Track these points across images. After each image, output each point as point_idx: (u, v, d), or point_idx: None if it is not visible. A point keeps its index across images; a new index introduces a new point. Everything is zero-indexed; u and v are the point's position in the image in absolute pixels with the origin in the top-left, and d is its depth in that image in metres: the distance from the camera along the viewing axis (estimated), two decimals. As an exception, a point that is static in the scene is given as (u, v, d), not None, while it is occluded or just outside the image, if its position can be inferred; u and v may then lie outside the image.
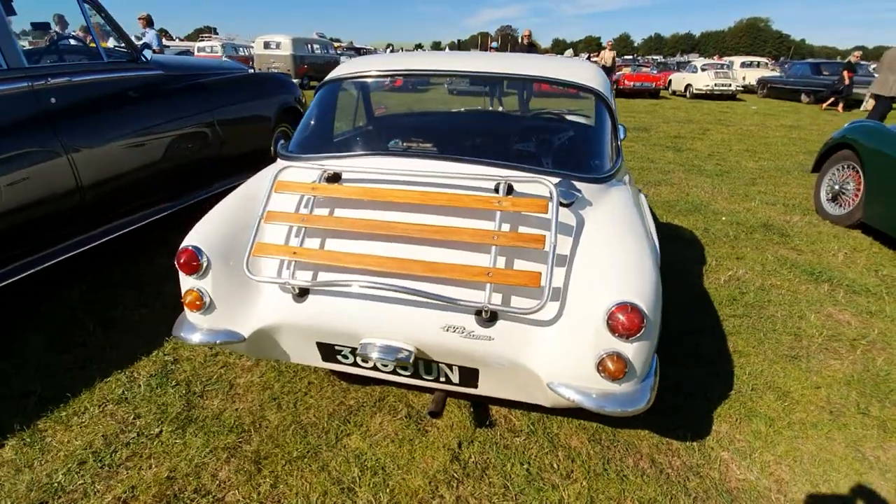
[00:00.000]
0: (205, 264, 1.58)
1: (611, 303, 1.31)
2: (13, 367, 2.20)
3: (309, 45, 17.42)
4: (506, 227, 1.53)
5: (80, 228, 2.73)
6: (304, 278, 1.58)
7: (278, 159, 2.09)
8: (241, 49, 20.68)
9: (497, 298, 1.46)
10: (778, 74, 19.50)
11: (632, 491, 1.66)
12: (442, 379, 1.63)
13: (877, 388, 2.19)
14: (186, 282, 1.61)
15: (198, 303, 1.59)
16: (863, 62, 16.20)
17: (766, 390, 2.16)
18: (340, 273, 1.56)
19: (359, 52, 28.98)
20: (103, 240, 2.79)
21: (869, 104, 8.41)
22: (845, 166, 4.27)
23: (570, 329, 1.39)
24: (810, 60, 20.32)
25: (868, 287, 3.13)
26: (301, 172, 1.76)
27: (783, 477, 1.74)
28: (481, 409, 1.99)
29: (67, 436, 1.83)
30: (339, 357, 1.69)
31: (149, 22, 9.18)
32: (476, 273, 1.42)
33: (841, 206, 4.33)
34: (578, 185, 1.66)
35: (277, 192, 1.68)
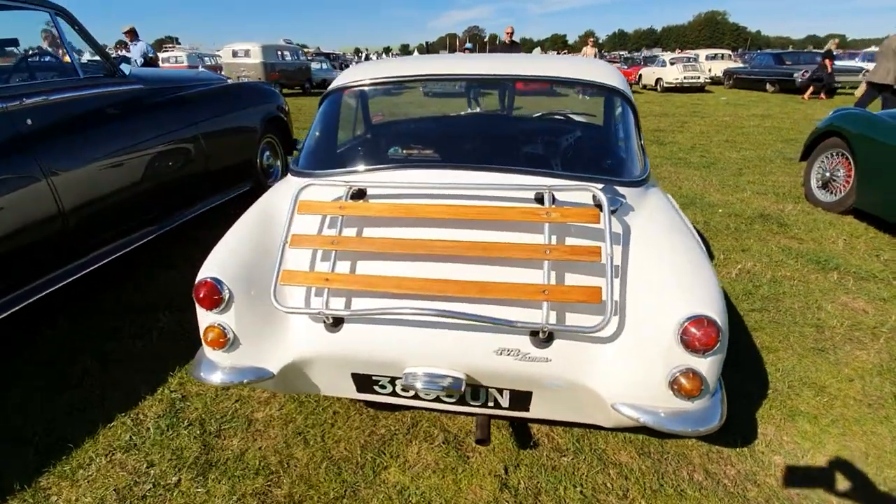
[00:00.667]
0: (226, 297, 1.44)
1: (684, 317, 1.23)
2: (5, 411, 1.99)
3: (279, 52, 17.04)
4: (553, 240, 1.44)
5: (65, 258, 2.52)
6: (337, 306, 1.45)
7: (290, 175, 1.95)
8: (206, 59, 20.08)
9: (553, 317, 1.36)
10: (742, 66, 20.08)
11: (692, 506, 1.59)
12: (490, 404, 1.53)
13: (908, 377, 2.18)
14: (206, 317, 1.46)
15: (221, 340, 1.44)
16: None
17: (802, 387, 2.12)
18: (378, 298, 1.43)
19: (328, 57, 28.52)
20: (91, 268, 2.58)
21: (859, 91, 8.51)
22: (834, 154, 4.34)
23: (636, 346, 1.31)
24: (773, 51, 21.01)
25: (874, 273, 3.16)
26: (322, 190, 1.63)
27: (838, 478, 1.70)
28: (521, 428, 1.89)
29: (75, 492, 1.65)
30: (377, 388, 1.56)
31: (135, 35, 8.87)
32: (531, 291, 1.32)
33: (832, 192, 4.40)
34: (620, 189, 1.58)
35: (301, 213, 1.55)
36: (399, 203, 1.52)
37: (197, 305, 1.47)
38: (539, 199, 1.51)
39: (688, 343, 1.22)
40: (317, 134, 2.09)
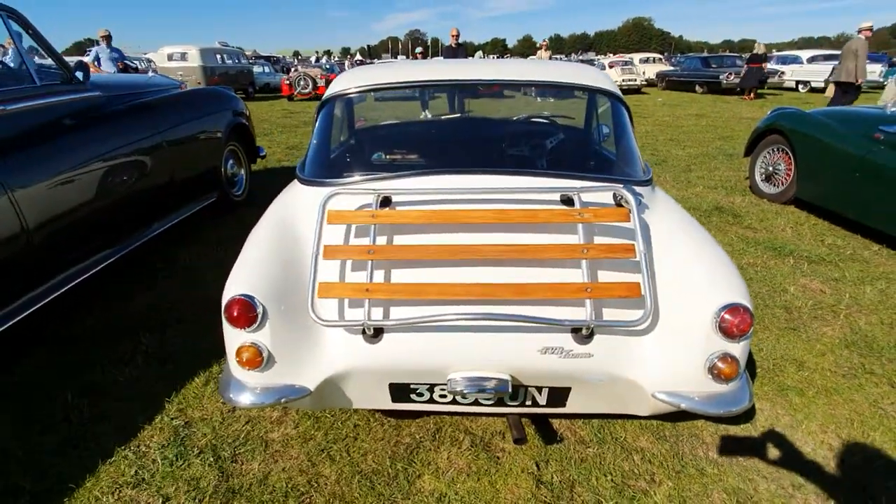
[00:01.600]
0: (260, 314, 1.38)
1: (720, 305, 1.32)
2: (-21, 463, 1.79)
3: (219, 56, 16.28)
4: (586, 240, 1.49)
5: (34, 281, 2.29)
6: (377, 316, 1.43)
7: (298, 184, 1.89)
8: (134, 62, 18.79)
9: (594, 314, 1.41)
10: (672, 69, 21.46)
11: (714, 483, 1.70)
12: (528, 403, 1.56)
13: (870, 349, 2.44)
14: (238, 337, 1.39)
15: (257, 359, 1.38)
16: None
17: (784, 363, 2.32)
18: (419, 307, 1.42)
19: (268, 60, 27.60)
20: (64, 289, 2.37)
21: (829, 92, 9.19)
22: (775, 149, 4.75)
23: (674, 336, 1.39)
24: (700, 55, 22.61)
25: (822, 256, 3.50)
26: (346, 199, 1.60)
27: (833, 444, 1.87)
28: (544, 425, 1.93)
29: (85, 539, 1.51)
30: (413, 395, 1.55)
31: (110, 40, 8.35)
32: (574, 290, 1.36)
33: (775, 185, 4.82)
34: (636, 189, 1.66)
35: (331, 223, 1.51)
36: (431, 209, 1.52)
37: (227, 325, 1.39)
38: (565, 201, 1.56)
39: (725, 330, 1.31)
40: (320, 141, 2.04)
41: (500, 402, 1.57)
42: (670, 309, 1.42)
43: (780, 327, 2.62)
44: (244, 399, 1.41)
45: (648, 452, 1.82)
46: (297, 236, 1.59)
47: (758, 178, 5.03)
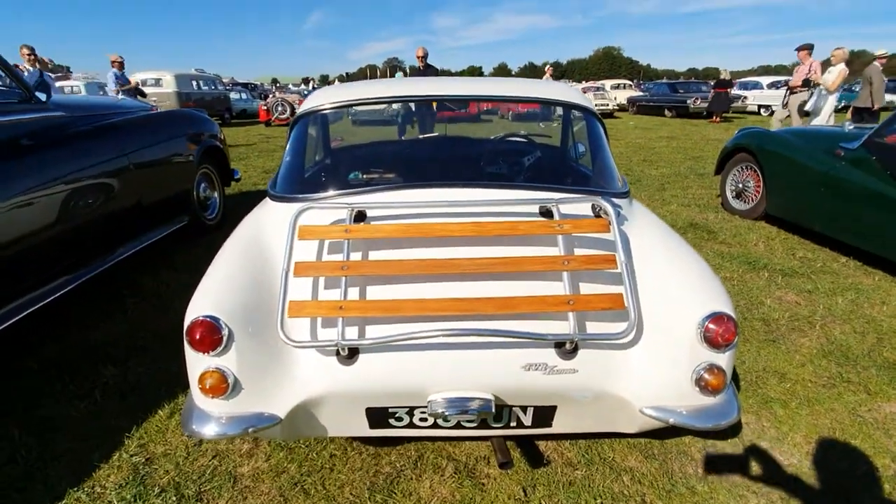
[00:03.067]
0: (225, 336, 1.28)
1: (703, 315, 1.29)
2: None
3: (195, 82, 16.19)
4: (564, 252, 1.46)
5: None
6: (352, 336, 1.35)
7: (269, 200, 1.82)
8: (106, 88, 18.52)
9: (577, 327, 1.37)
10: (641, 94, 22.29)
11: (705, 501, 1.64)
12: (513, 424, 1.49)
13: (846, 358, 2.46)
14: (201, 362, 1.29)
15: (222, 386, 1.28)
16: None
17: (766, 376, 2.31)
18: (396, 324, 1.36)
19: (246, 87, 27.59)
20: (16, 318, 2.21)
21: (777, 116, 9.44)
22: (744, 167, 4.90)
23: (659, 348, 1.35)
24: (668, 81, 23.57)
25: (795, 269, 3.57)
26: (318, 214, 1.54)
27: (817, 454, 1.85)
28: (531, 447, 1.86)
29: None
30: (392, 420, 1.47)
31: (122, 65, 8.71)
32: (556, 303, 1.32)
33: (745, 201, 4.95)
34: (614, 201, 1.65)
35: (302, 239, 1.44)
36: (406, 223, 1.47)
37: (189, 349, 1.30)
38: (544, 213, 1.53)
39: (710, 339, 1.28)
40: (293, 158, 1.98)
41: (483, 425, 1.49)
42: (654, 321, 1.39)
43: (760, 339, 2.63)
44: (208, 430, 1.31)
45: (637, 472, 1.76)
46: (266, 254, 1.52)
47: (729, 195, 5.16)
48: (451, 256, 1.42)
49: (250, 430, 1.30)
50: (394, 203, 1.56)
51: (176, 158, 3.89)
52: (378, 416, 1.44)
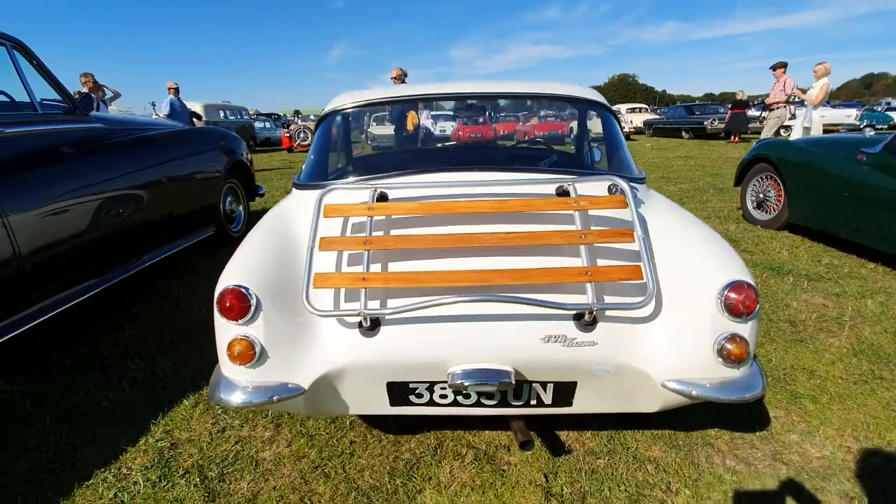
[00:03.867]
0: (254, 305, 1.33)
1: (723, 283, 1.29)
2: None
3: (222, 112, 16.92)
4: (583, 227, 1.48)
5: (20, 304, 2.24)
6: (374, 307, 1.39)
7: (295, 190, 1.90)
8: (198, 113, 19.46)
9: (595, 298, 1.37)
10: (658, 117, 22.39)
11: (735, 491, 1.59)
12: (533, 402, 1.49)
13: (878, 356, 2.38)
14: (231, 329, 1.34)
15: (249, 353, 1.32)
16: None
17: (795, 373, 2.25)
18: (417, 298, 1.39)
19: (270, 117, 28.65)
20: (50, 314, 2.31)
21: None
22: (764, 177, 4.86)
23: (680, 320, 1.35)
24: (685, 104, 23.68)
25: (821, 274, 3.49)
26: (343, 195, 1.60)
27: (851, 447, 1.78)
28: (552, 436, 1.84)
29: (54, 564, 1.38)
30: (413, 397, 1.48)
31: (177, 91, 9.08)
32: (574, 274, 1.34)
33: (766, 211, 4.89)
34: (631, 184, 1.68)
35: (327, 216, 1.50)
36: (428, 202, 1.52)
37: (218, 317, 1.35)
38: (561, 194, 1.57)
39: (731, 308, 1.27)
40: (318, 155, 2.07)
41: (503, 403, 1.49)
42: (673, 293, 1.39)
43: (787, 339, 2.56)
44: (235, 398, 1.34)
45: (662, 461, 1.72)
46: (292, 234, 1.58)
47: (749, 206, 5.11)
48: (475, 232, 1.45)
49: (275, 398, 1.33)
50: (415, 183, 1.61)
51: (204, 172, 4.05)
52: (398, 392, 1.46)
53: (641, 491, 1.59)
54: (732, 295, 1.28)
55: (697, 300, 1.33)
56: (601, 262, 1.44)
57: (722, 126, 16.44)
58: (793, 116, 9.06)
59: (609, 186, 1.60)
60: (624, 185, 1.49)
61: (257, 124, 19.97)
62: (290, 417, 1.98)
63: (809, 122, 7.76)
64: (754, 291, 1.29)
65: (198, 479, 1.68)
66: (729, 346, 1.28)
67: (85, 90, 7.11)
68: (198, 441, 1.88)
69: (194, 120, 9.63)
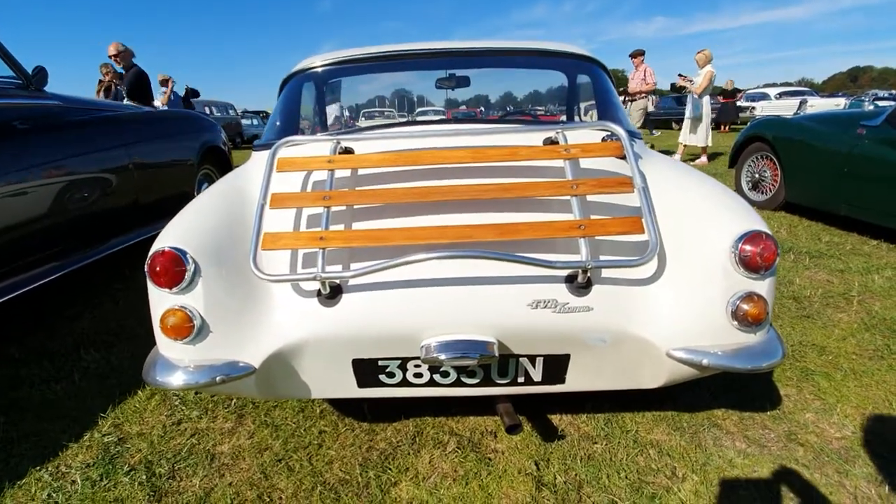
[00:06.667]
0: (191, 270, 1.14)
1: (737, 234, 1.12)
2: None
3: (207, 108, 16.58)
4: (575, 177, 1.29)
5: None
6: (335, 271, 1.20)
7: (254, 152, 1.70)
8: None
9: (589, 254, 1.19)
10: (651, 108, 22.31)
11: (747, 475, 1.42)
12: (520, 379, 1.31)
13: (892, 331, 2.23)
14: (164, 299, 1.15)
15: (185, 326, 1.13)
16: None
17: (805, 349, 2.09)
18: (382, 260, 1.20)
19: (257, 114, 28.22)
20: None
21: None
22: (760, 157, 4.72)
23: (687, 279, 1.17)
24: (674, 95, 23.63)
25: (822, 251, 3.34)
26: (302, 149, 1.40)
27: (873, 426, 1.62)
28: (543, 421, 1.66)
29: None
30: (383, 377, 1.29)
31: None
32: (564, 228, 1.16)
33: (762, 192, 4.74)
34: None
35: (281, 171, 1.30)
36: (397, 153, 1.33)
37: (151, 284, 1.15)
38: (549, 143, 1.38)
39: (748, 262, 1.10)
40: (281, 115, 1.87)
41: (487, 381, 1.31)
42: (678, 248, 1.21)
43: (793, 315, 2.41)
44: (174, 379, 1.15)
45: (666, 445, 1.55)
46: (245, 194, 1.39)
47: (745, 187, 4.96)
48: (454, 184, 1.26)
49: (219, 379, 1.14)
50: (383, 135, 1.42)
51: (176, 156, 3.83)
52: (366, 371, 1.27)
53: (644, 478, 1.42)
54: (748, 247, 1.11)
55: (707, 255, 1.15)
56: (595, 217, 1.26)
57: (713, 116, 16.39)
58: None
59: (603, 137, 1.42)
60: (620, 130, 1.31)
61: (244, 121, 19.65)
62: (255, 407, 1.79)
63: (694, 112, 7.66)
64: (773, 242, 1.11)
65: (144, 477, 1.48)
66: (745, 306, 1.11)
67: (107, 78, 6.91)
68: (149, 435, 1.68)
69: (191, 101, 9.38)
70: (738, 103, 17.23)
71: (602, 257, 1.21)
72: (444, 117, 2.56)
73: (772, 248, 1.11)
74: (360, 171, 1.34)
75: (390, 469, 1.48)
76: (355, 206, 1.27)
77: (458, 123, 1.52)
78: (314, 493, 1.40)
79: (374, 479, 1.44)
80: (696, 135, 7.89)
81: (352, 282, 1.19)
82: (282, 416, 1.73)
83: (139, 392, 1.93)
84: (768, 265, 1.11)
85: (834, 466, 1.45)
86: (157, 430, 1.70)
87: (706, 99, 7.61)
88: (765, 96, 19.36)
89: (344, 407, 1.75)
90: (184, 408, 1.81)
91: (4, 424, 1.75)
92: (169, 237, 1.18)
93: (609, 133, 1.40)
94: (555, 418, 1.68)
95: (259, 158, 1.59)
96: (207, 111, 16.53)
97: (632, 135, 1.60)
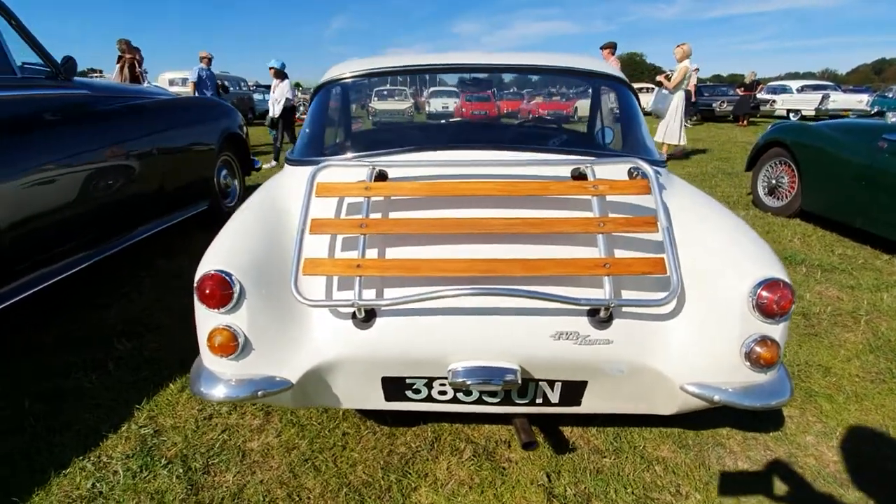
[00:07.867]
0: (237, 293, 1.21)
1: (756, 280, 1.17)
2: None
3: (220, 82, 16.48)
4: (601, 214, 1.35)
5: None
6: (369, 297, 1.27)
7: (288, 166, 1.76)
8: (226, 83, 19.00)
9: (613, 293, 1.25)
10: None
11: (747, 496, 1.51)
12: (538, 401, 1.38)
13: (895, 354, 2.28)
14: (211, 318, 1.23)
15: (230, 345, 1.21)
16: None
17: (810, 369, 2.15)
18: (416, 288, 1.27)
19: (270, 89, 28.07)
20: (31, 291, 2.19)
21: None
22: (778, 162, 4.69)
23: (705, 318, 1.23)
24: (685, 88, 23.20)
25: (835, 265, 3.37)
26: (338, 172, 1.46)
27: (870, 451, 1.69)
28: (554, 433, 1.75)
29: (24, 561, 1.30)
30: (409, 393, 1.38)
31: (210, 61, 8.80)
32: (590, 266, 1.22)
33: (778, 198, 4.73)
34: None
35: (319, 196, 1.36)
36: (431, 182, 1.38)
37: (199, 305, 1.23)
38: (577, 177, 1.43)
39: (764, 308, 1.16)
40: (313, 128, 1.92)
41: (507, 401, 1.39)
42: (699, 289, 1.27)
43: (801, 333, 2.46)
44: (217, 392, 1.24)
45: (671, 462, 1.63)
46: (283, 214, 1.45)
47: (760, 192, 4.95)
48: (489, 217, 1.32)
49: (260, 393, 1.23)
50: (417, 162, 1.47)
51: (198, 143, 3.88)
52: (394, 388, 1.36)
53: (649, 493, 1.51)
54: (766, 294, 1.16)
55: (726, 298, 1.21)
56: (620, 254, 1.32)
57: (730, 109, 16.10)
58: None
59: (630, 170, 1.47)
60: (647, 168, 1.35)
61: (256, 96, 19.51)
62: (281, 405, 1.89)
63: (654, 105, 7.37)
64: (790, 290, 1.17)
65: (181, 471, 1.59)
66: (758, 349, 1.17)
67: (127, 56, 6.95)
68: (183, 429, 1.79)
69: (220, 92, 9.36)
70: (758, 95, 16.87)
71: (624, 293, 1.27)
72: (469, 128, 2.58)
73: (788, 297, 1.16)
74: (395, 197, 1.40)
75: (410, 474, 1.57)
76: (391, 234, 1.33)
77: (483, 149, 1.55)
78: (340, 494, 1.50)
79: (396, 484, 1.53)
80: (671, 132, 7.44)
81: (385, 307, 1.26)
82: (307, 416, 1.83)
83: (171, 385, 2.03)
84: (784, 312, 1.16)
85: (829, 489, 1.52)
86: (189, 425, 1.81)
87: (679, 94, 7.23)
88: (786, 89, 18.84)
89: (366, 410, 1.84)
90: (214, 403, 1.91)
91: (46, 414, 1.86)
92: (215, 260, 1.26)
93: (635, 167, 1.44)
94: (566, 430, 1.76)
95: (292, 174, 1.64)
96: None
97: (655, 163, 1.63)
